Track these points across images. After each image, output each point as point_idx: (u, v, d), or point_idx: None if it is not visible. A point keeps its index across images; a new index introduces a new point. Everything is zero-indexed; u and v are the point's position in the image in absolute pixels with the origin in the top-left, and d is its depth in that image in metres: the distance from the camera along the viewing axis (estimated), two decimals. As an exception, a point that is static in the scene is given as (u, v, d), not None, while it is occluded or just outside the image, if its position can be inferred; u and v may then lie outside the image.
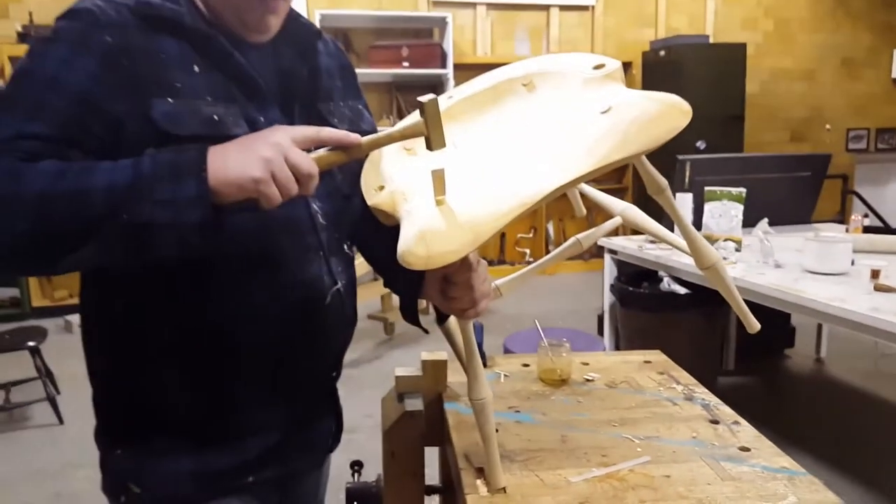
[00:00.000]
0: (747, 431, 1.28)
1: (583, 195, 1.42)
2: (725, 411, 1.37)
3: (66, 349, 4.69)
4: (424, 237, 0.86)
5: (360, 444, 1.89)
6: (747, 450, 1.21)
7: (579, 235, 1.33)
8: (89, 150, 0.89)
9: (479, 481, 1.10)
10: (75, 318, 5.27)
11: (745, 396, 3.80)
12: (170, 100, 0.94)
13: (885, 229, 6.15)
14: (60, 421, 3.57)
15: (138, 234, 0.83)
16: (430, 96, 0.88)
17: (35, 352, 3.58)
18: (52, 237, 0.81)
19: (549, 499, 1.05)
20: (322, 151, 0.89)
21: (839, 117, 7.77)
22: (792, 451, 3.00)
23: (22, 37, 5.59)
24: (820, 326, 4.19)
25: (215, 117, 0.97)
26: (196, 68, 0.98)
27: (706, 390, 1.48)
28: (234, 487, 1.10)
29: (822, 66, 7.66)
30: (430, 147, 0.89)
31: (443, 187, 0.89)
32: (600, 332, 3.77)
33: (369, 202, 1.00)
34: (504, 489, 1.07)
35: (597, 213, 5.94)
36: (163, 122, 0.93)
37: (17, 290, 5.71)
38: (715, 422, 1.32)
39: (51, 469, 3.12)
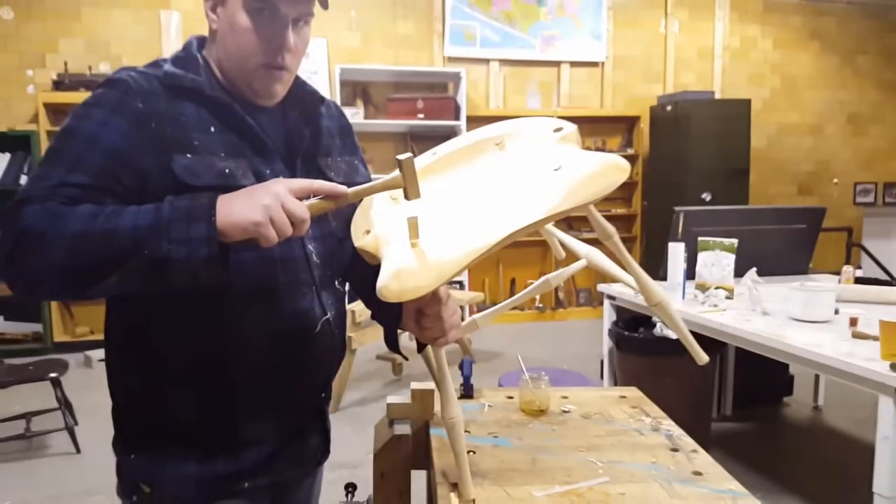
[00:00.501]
0: (703, 459, 1.40)
1: (561, 242, 1.57)
2: (686, 441, 1.48)
3: (85, 382, 4.86)
4: (399, 275, 1.01)
5: (364, 478, 1.98)
6: (700, 474, 1.32)
7: (548, 275, 1.48)
8: (120, 196, 1.06)
9: (452, 494, 1.23)
10: (95, 354, 5.45)
11: (742, 442, 3.87)
12: (188, 155, 1.12)
13: (892, 282, 6.21)
14: (78, 450, 3.72)
15: (157, 266, 0.98)
16: (408, 155, 1.03)
17: (56, 383, 3.73)
18: (86, 267, 0.98)
19: (512, 509, 1.18)
20: (314, 200, 1.04)
21: (847, 171, 7.91)
22: (785, 495, 3.08)
23: (57, 84, 5.88)
24: (818, 375, 4.26)
25: (227, 170, 1.15)
26: (212, 129, 1.17)
27: (673, 423, 1.59)
28: (232, 492, 1.24)
29: (828, 122, 7.84)
30: (407, 198, 1.05)
31: (416, 232, 1.04)
32: (602, 375, 3.87)
33: (356, 244, 1.16)
34: (473, 501, 1.19)
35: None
36: (182, 174, 1.11)
37: (39, 326, 5.90)
38: (675, 450, 1.44)
39: (68, 495, 3.25)
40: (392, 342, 1.31)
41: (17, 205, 1.00)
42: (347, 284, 1.41)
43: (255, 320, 1.19)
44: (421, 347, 1.33)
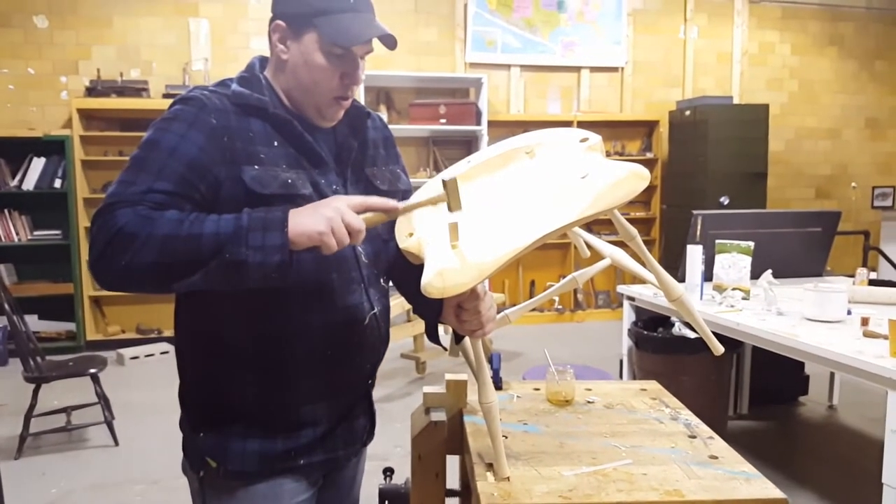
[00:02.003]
0: (719, 444, 1.50)
1: (586, 242, 1.69)
2: (703, 429, 1.59)
3: (118, 380, 5.04)
4: (441, 273, 1.14)
5: (394, 468, 2.10)
6: (716, 458, 1.43)
7: (575, 273, 1.60)
8: (197, 202, 1.20)
9: (488, 472, 1.35)
10: (127, 352, 5.63)
11: (757, 438, 3.97)
12: (256, 167, 1.25)
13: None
14: (116, 443, 3.88)
15: (234, 268, 1.12)
16: (452, 176, 1.17)
17: (95, 379, 3.90)
18: (173, 266, 1.11)
19: (543, 486, 1.29)
20: (369, 214, 1.18)
21: (865, 175, 7.95)
22: (799, 490, 3.17)
23: (90, 90, 6.06)
24: (832, 375, 4.34)
25: (289, 180, 1.28)
26: (275, 143, 1.30)
27: (691, 413, 1.70)
28: (289, 468, 1.38)
29: (846, 126, 7.89)
30: (450, 210, 1.18)
31: (456, 235, 1.17)
32: (621, 374, 3.97)
33: (401, 245, 1.29)
34: (508, 478, 1.31)
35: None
36: (251, 183, 1.24)
37: (73, 325, 6.08)
38: (693, 436, 1.54)
39: (109, 485, 3.40)
40: (433, 335, 1.43)
41: (109, 207, 1.12)
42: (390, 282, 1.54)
43: (312, 313, 1.32)
44: (459, 339, 1.46)
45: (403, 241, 1.29)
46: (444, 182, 1.16)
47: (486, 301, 1.31)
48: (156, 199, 1.15)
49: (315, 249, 1.14)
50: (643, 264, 1.43)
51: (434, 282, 1.12)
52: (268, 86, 1.35)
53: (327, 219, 1.12)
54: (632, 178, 1.18)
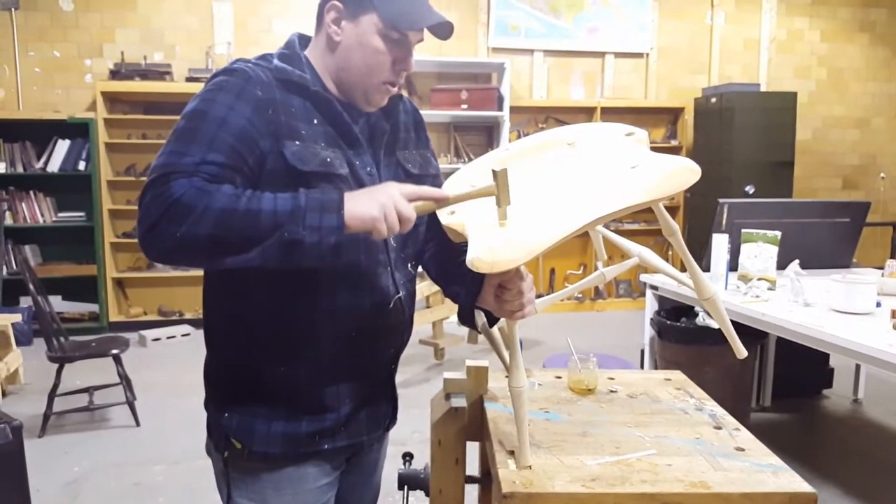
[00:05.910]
0: (745, 436, 1.48)
1: (609, 240, 1.67)
2: (729, 420, 1.56)
3: (140, 361, 5.08)
4: (491, 250, 1.13)
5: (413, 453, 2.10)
6: (742, 450, 1.40)
7: (604, 269, 1.58)
8: (246, 176, 1.19)
9: (509, 460, 1.33)
10: (149, 333, 5.67)
11: (780, 432, 3.92)
12: (297, 143, 1.24)
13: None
14: (137, 423, 3.92)
15: (291, 247, 1.11)
16: (502, 167, 1.15)
17: (118, 359, 3.93)
18: (227, 241, 1.09)
19: (566, 475, 1.27)
20: (419, 202, 1.19)
21: (894, 165, 7.80)
22: (823, 485, 3.13)
23: (114, 73, 6.09)
24: (858, 368, 4.28)
25: (328, 159, 1.27)
26: (315, 121, 1.29)
27: (716, 404, 1.67)
28: (313, 453, 1.37)
29: (876, 115, 7.73)
30: (499, 205, 1.17)
31: (505, 214, 1.17)
32: (642, 364, 3.94)
33: (443, 222, 1.28)
34: (530, 466, 1.29)
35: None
36: (292, 159, 1.23)
37: (96, 306, 6.15)
38: (718, 427, 1.52)
39: (131, 463, 3.44)
40: (468, 318, 1.41)
41: (164, 178, 1.10)
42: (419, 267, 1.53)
43: (339, 294, 1.32)
44: (492, 323, 1.44)
45: (445, 218, 1.29)
46: (494, 174, 1.15)
47: (528, 282, 1.30)
48: (210, 171, 1.13)
49: (366, 234, 1.15)
50: (667, 259, 1.41)
51: (483, 256, 1.12)
52: (308, 64, 1.34)
53: (381, 205, 1.13)
54: (684, 172, 1.19)
